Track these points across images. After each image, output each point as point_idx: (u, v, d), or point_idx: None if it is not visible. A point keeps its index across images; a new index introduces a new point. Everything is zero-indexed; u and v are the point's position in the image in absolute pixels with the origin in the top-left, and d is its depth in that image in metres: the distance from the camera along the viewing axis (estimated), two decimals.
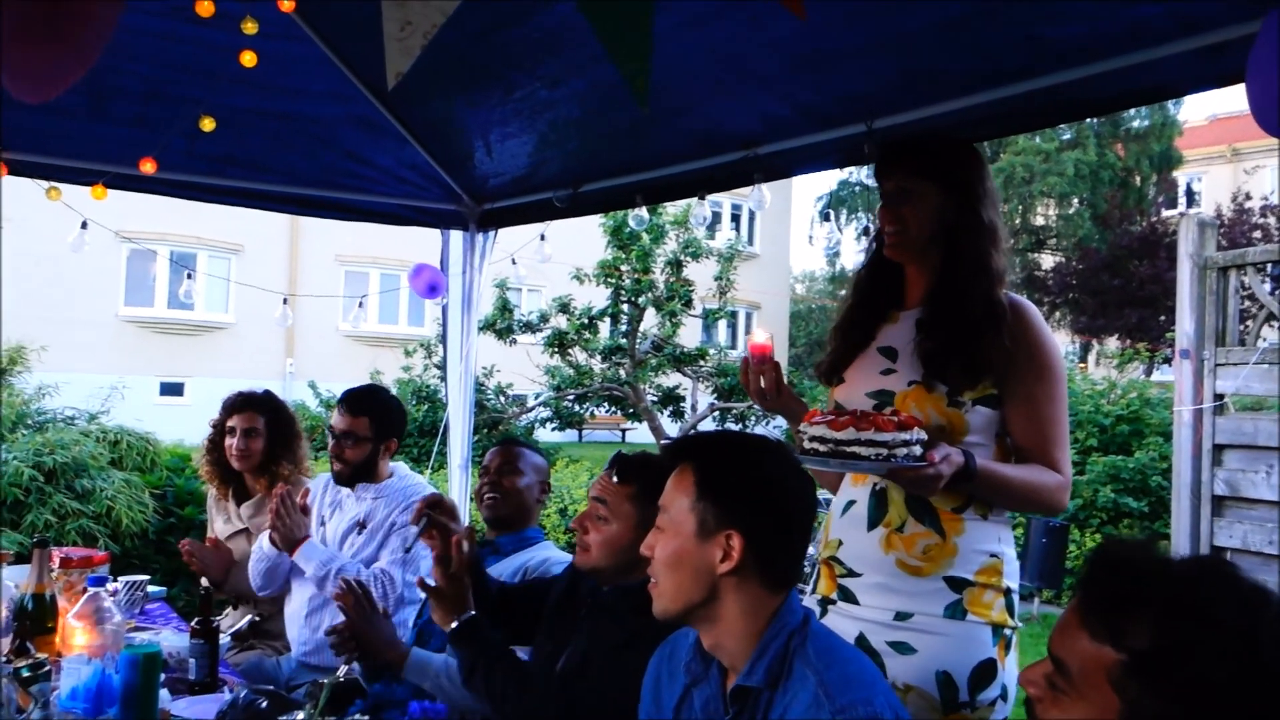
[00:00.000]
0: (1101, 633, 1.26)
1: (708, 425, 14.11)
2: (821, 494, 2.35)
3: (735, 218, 26.72)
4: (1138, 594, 1.24)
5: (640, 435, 18.57)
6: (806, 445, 2.06)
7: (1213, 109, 32.43)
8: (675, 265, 13.24)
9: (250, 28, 2.96)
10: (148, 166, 3.51)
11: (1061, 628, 1.33)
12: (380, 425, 3.51)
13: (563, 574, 2.66)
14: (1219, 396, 6.28)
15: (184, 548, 3.69)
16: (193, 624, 2.82)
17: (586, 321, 13.29)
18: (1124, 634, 1.23)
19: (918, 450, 1.99)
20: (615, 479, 2.33)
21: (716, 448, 1.88)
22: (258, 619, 3.72)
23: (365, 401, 3.55)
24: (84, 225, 3.92)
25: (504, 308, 13.02)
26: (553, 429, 14.48)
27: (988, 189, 2.30)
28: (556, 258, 4.56)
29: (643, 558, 2.20)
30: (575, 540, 2.42)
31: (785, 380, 2.42)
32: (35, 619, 2.74)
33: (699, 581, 1.77)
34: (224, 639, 3.45)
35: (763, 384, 2.39)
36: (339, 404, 3.56)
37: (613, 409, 14.88)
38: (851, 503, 2.30)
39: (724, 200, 25.19)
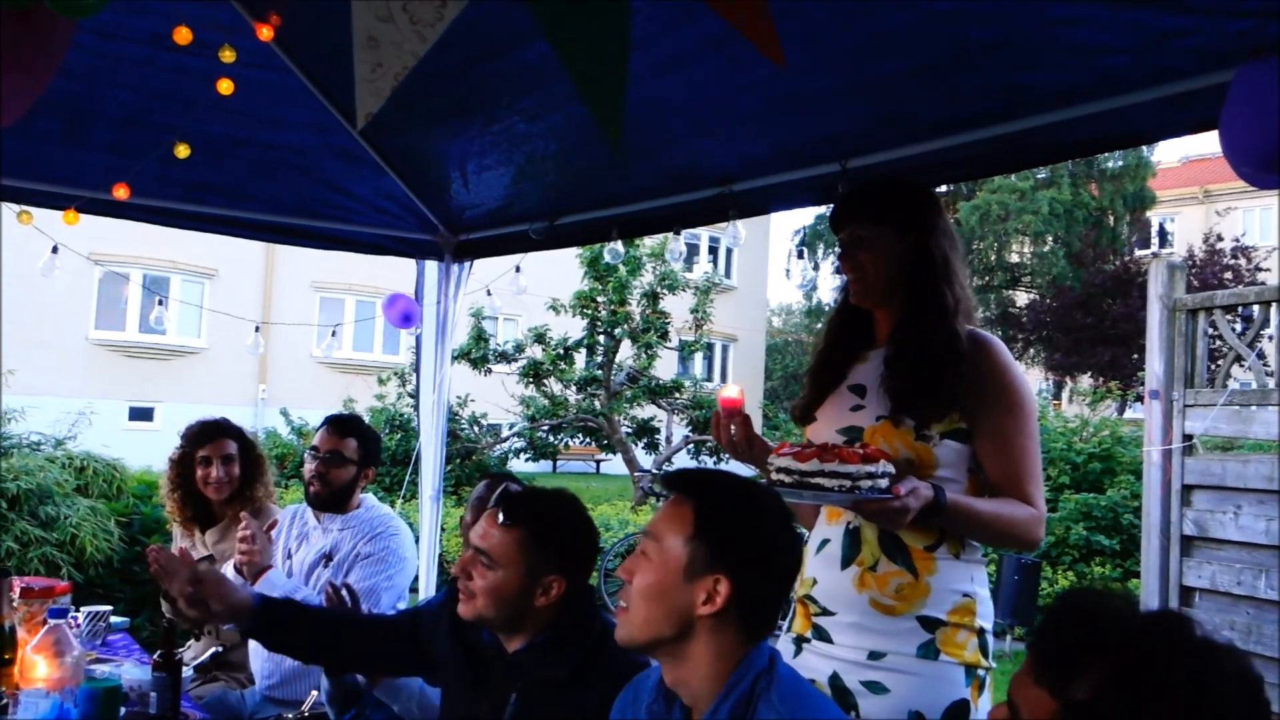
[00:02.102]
0: (1045, 681, 1.26)
1: (682, 457, 14.11)
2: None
3: (713, 250, 26.85)
4: (1085, 646, 1.24)
5: (615, 466, 18.54)
6: (773, 476, 2.06)
7: (1185, 150, 32.89)
8: (651, 297, 13.28)
9: (228, 56, 2.97)
10: (120, 193, 3.49)
11: (1019, 672, 1.34)
12: (365, 450, 3.53)
13: (440, 615, 2.45)
14: (1188, 437, 6.34)
15: (150, 553, 3.61)
16: (155, 656, 2.77)
17: (562, 352, 13.29)
18: (1065, 684, 1.23)
19: (883, 483, 1.99)
20: (501, 521, 2.19)
21: (720, 489, 1.83)
22: (221, 651, 3.66)
23: (352, 425, 3.58)
24: (54, 250, 3.89)
25: (479, 337, 13.00)
26: (527, 459, 14.44)
27: (941, 226, 2.33)
28: (533, 288, 4.57)
29: (535, 608, 2.16)
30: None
31: (759, 431, 2.42)
32: None
33: (673, 618, 1.74)
34: (187, 671, 3.39)
35: (734, 435, 2.38)
36: (324, 425, 3.55)
37: (587, 440, 14.86)
38: (826, 541, 2.30)
39: (702, 233, 25.33)
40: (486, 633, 2.28)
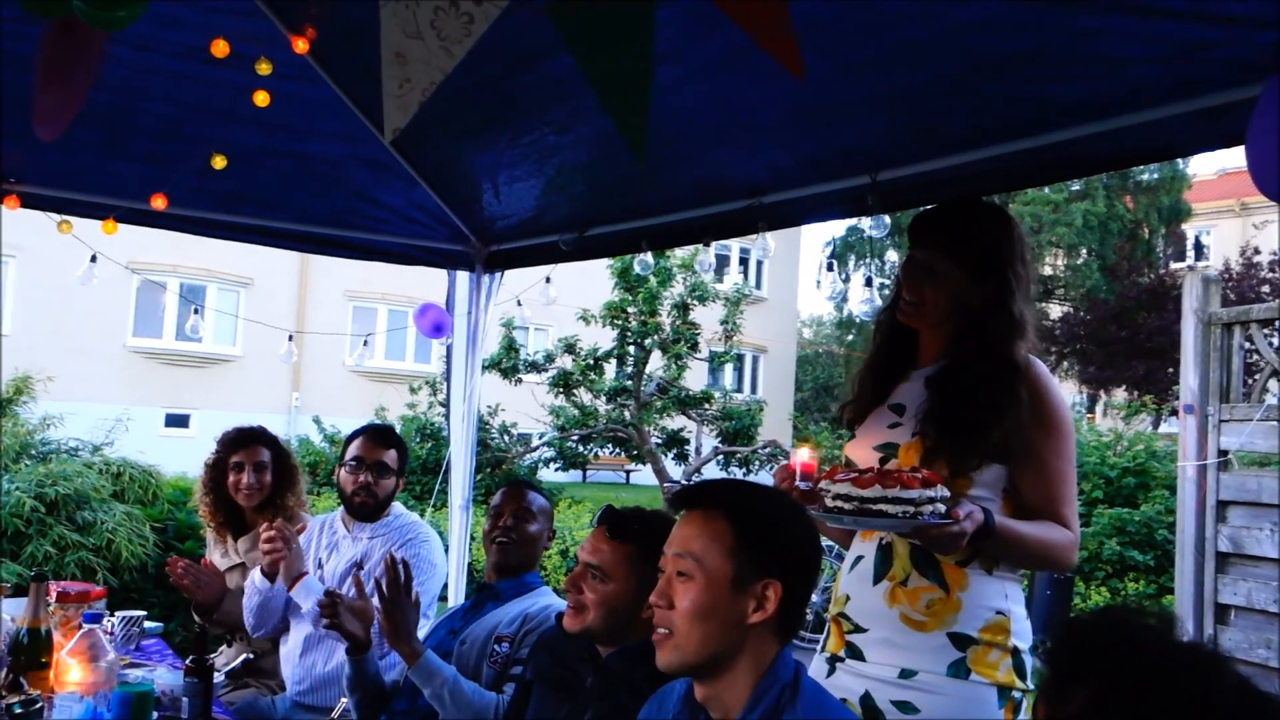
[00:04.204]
0: (1045, 694, 1.26)
1: (712, 468, 14.06)
2: (829, 543, 2.32)
3: (744, 261, 26.77)
4: (1085, 663, 1.22)
5: (644, 477, 18.52)
6: (830, 503, 2.03)
7: (1222, 163, 32.43)
8: (682, 308, 13.25)
9: (265, 69, 3.01)
10: (158, 203, 3.55)
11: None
12: (402, 460, 3.61)
13: (536, 649, 2.62)
14: (1223, 452, 6.25)
15: (175, 565, 3.64)
16: (187, 662, 2.80)
17: (592, 362, 13.30)
18: (1062, 700, 1.22)
19: (942, 508, 1.97)
20: (609, 537, 2.30)
21: (750, 496, 1.85)
22: (252, 657, 3.70)
23: (391, 435, 3.65)
24: (93, 259, 3.95)
25: (510, 347, 13.03)
26: (556, 469, 14.45)
27: (1020, 275, 2.25)
28: (563, 298, 4.59)
29: (640, 617, 2.18)
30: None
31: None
32: (30, 654, 2.71)
33: (727, 633, 1.73)
34: (218, 677, 3.43)
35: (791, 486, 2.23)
36: (364, 436, 3.59)
37: (617, 450, 14.84)
38: (860, 558, 2.29)
39: (733, 244, 25.19)
40: (585, 643, 2.35)
